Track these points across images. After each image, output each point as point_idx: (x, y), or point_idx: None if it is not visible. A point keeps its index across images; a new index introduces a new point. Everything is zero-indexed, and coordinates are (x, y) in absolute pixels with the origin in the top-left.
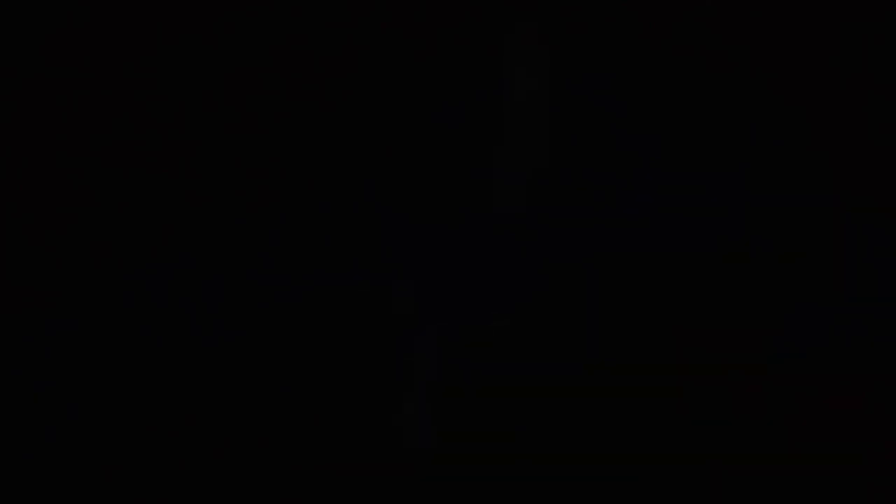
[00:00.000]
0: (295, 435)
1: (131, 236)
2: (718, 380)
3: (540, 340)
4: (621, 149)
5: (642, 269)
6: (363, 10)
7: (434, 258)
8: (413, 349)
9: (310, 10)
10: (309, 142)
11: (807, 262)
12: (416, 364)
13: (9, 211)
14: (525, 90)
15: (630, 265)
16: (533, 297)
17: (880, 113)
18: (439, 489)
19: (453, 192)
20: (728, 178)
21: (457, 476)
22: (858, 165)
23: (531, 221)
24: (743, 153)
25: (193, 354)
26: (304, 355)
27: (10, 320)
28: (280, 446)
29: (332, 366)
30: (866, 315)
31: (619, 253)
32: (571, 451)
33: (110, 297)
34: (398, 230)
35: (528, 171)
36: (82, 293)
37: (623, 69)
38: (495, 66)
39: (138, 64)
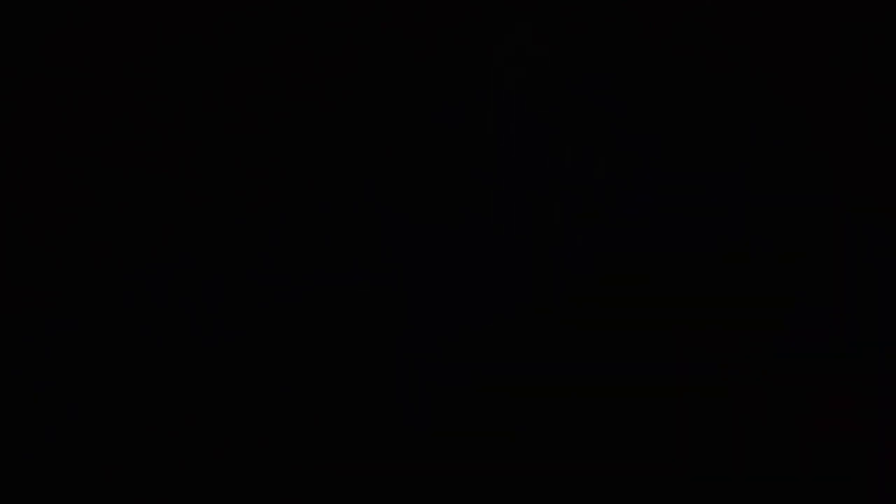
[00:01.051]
0: (293, 435)
1: (131, 236)
2: (718, 379)
3: (540, 340)
4: (621, 149)
5: (642, 269)
6: (363, 10)
7: (434, 258)
8: (412, 349)
9: (310, 10)
10: (309, 142)
11: (807, 262)
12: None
13: (9, 211)
14: (524, 90)
15: (630, 265)
16: (533, 297)
17: (880, 113)
18: (438, 488)
19: (453, 193)
20: (728, 178)
21: (456, 475)
22: (858, 165)
23: (531, 222)
24: (743, 153)
25: (193, 354)
26: (304, 355)
27: (10, 320)
28: (278, 446)
29: (332, 366)
30: (866, 315)
31: (619, 253)
32: (571, 452)
33: (110, 297)
34: (398, 230)
35: (527, 170)
36: (82, 293)
37: (623, 69)
38: (495, 66)
39: (138, 64)
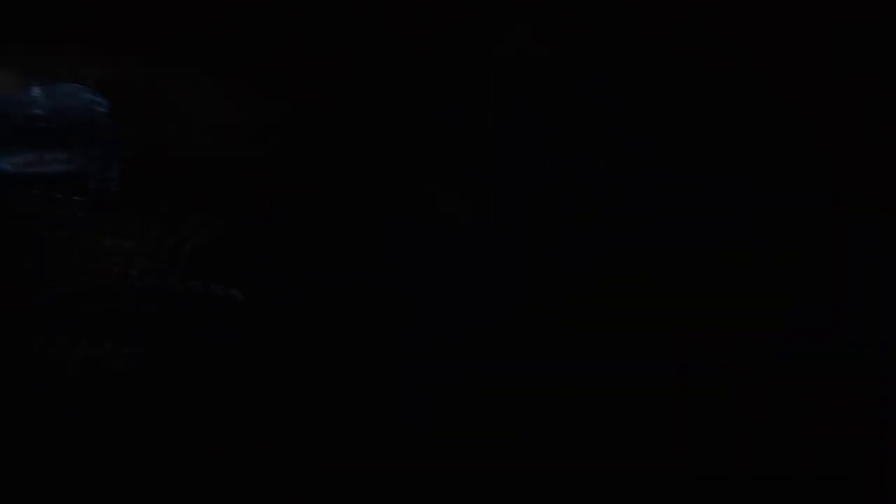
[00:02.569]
0: (293, 435)
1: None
2: (718, 379)
3: (540, 340)
4: (621, 149)
5: (642, 268)
6: (363, 9)
7: (434, 258)
8: (412, 349)
9: (309, 9)
10: (307, 141)
11: (807, 262)
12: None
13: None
14: (524, 90)
15: (630, 265)
16: (533, 296)
17: (880, 113)
18: (438, 488)
19: (453, 193)
20: (728, 178)
21: (456, 475)
22: (858, 165)
23: (531, 222)
24: (743, 153)
25: (193, 354)
26: (304, 355)
27: (9, 320)
28: (278, 445)
29: (331, 366)
30: (866, 315)
31: (619, 253)
32: (571, 451)
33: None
34: (398, 230)
35: (527, 170)
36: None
37: (623, 69)
38: (495, 66)
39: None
